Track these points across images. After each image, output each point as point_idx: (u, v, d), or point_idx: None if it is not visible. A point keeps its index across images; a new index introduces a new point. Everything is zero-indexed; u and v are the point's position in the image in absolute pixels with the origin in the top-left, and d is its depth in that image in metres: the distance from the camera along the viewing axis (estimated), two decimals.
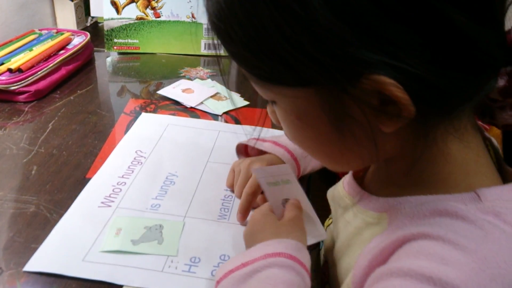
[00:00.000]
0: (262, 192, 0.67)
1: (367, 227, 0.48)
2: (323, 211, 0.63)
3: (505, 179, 0.44)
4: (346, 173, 0.57)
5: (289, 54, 0.36)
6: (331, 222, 0.61)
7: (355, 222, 0.50)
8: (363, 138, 0.40)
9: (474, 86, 0.38)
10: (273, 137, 0.75)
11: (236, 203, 0.70)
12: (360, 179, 0.54)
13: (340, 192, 0.56)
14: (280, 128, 0.49)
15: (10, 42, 1.10)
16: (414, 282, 0.34)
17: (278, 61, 0.37)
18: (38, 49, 1.07)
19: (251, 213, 0.67)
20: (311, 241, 0.59)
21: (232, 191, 0.73)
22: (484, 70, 0.37)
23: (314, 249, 0.61)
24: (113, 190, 0.71)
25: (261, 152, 0.74)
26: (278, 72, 0.39)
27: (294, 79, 0.39)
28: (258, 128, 0.79)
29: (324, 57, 0.35)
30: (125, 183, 0.73)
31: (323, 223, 0.63)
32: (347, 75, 0.36)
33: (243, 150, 0.79)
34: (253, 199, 0.67)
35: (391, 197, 0.45)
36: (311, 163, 0.74)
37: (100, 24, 1.48)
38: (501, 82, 0.39)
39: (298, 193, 0.63)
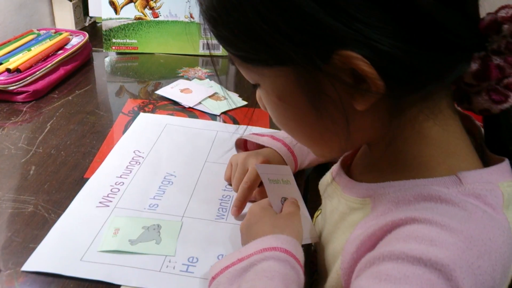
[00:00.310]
0: (259, 186, 0.68)
1: (351, 212, 0.49)
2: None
3: (486, 164, 0.45)
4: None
5: (265, 33, 0.38)
6: (320, 213, 0.62)
7: (340, 208, 0.51)
8: (338, 117, 0.42)
9: (441, 66, 0.39)
10: (271, 132, 0.77)
11: None
12: (347, 168, 0.56)
13: (329, 179, 0.57)
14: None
15: (9, 42, 1.10)
16: (406, 264, 0.36)
17: (256, 40, 0.40)
18: (37, 49, 1.07)
19: (246, 207, 0.68)
20: (304, 241, 0.59)
21: (230, 184, 0.74)
22: (451, 51, 0.39)
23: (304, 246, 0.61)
24: (111, 190, 0.72)
25: (260, 147, 0.76)
26: (257, 52, 0.41)
27: (272, 58, 0.41)
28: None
29: (297, 35, 0.37)
30: (123, 183, 0.73)
31: (312, 215, 0.64)
32: (319, 52, 0.38)
33: (242, 145, 0.80)
34: (249, 193, 0.68)
35: (373, 183, 0.47)
36: (308, 157, 0.75)
37: (98, 24, 1.48)
38: (474, 67, 0.41)
39: (296, 195, 0.64)
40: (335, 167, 0.57)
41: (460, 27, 0.38)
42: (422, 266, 0.35)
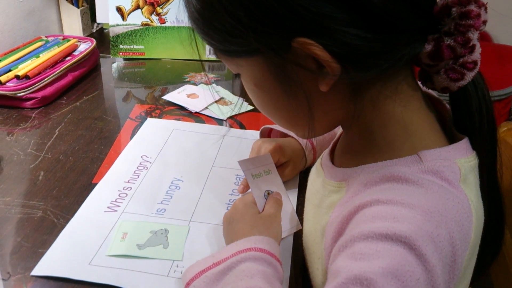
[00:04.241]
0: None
1: (329, 194, 0.54)
2: None
3: (453, 142, 0.48)
4: None
5: (232, 26, 0.43)
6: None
7: (321, 191, 0.56)
8: (304, 100, 0.46)
9: (389, 47, 0.42)
10: None
11: None
12: (333, 153, 0.60)
13: (317, 165, 0.61)
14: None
15: (17, 49, 1.11)
16: (376, 241, 0.40)
17: (226, 33, 0.44)
18: (45, 56, 1.08)
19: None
20: (284, 234, 0.64)
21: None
22: (397, 34, 0.42)
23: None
24: (119, 195, 0.72)
25: (283, 136, 0.80)
26: (229, 44, 0.45)
27: (242, 50, 0.45)
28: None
29: (257, 26, 0.42)
30: (131, 188, 0.74)
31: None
32: (279, 40, 0.42)
33: (267, 134, 0.84)
34: None
35: (349, 167, 0.51)
36: (324, 146, 0.77)
37: (105, 31, 1.49)
38: (428, 48, 0.44)
39: (278, 183, 0.69)
40: (325, 152, 0.61)
41: (404, 12, 0.41)
42: (389, 241, 0.39)
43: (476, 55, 0.44)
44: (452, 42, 0.43)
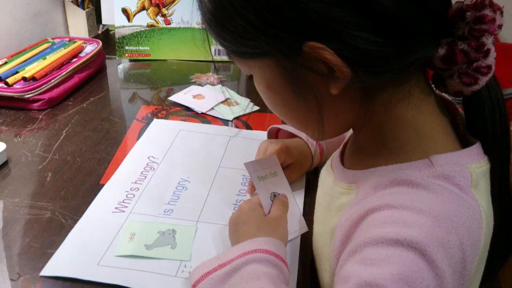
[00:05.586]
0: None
1: (339, 196, 0.54)
2: None
3: (466, 147, 0.48)
4: None
5: (243, 29, 0.43)
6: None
7: (331, 193, 0.56)
8: (314, 102, 0.46)
9: (400, 51, 0.42)
10: None
11: None
12: (343, 155, 0.60)
13: (327, 166, 0.61)
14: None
15: (24, 51, 1.12)
16: (386, 247, 0.40)
17: (238, 35, 0.44)
18: (52, 58, 1.08)
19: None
20: (291, 236, 0.64)
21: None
22: (407, 37, 0.42)
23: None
24: (126, 196, 0.72)
25: (290, 136, 0.80)
26: (241, 46, 0.46)
27: (253, 52, 0.46)
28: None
29: (268, 29, 0.42)
30: (138, 189, 0.74)
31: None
32: (290, 44, 0.42)
33: (274, 134, 0.84)
34: None
35: (360, 170, 0.51)
36: (333, 148, 0.77)
37: (111, 32, 1.50)
38: (442, 52, 0.44)
39: (284, 185, 0.69)
40: (335, 154, 0.60)
41: (419, 16, 0.41)
42: (400, 246, 0.39)
43: (491, 59, 0.43)
44: (465, 46, 0.42)
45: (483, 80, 0.44)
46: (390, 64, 0.42)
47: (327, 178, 0.59)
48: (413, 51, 0.42)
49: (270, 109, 0.54)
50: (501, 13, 0.43)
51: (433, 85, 0.49)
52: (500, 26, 0.43)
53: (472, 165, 0.45)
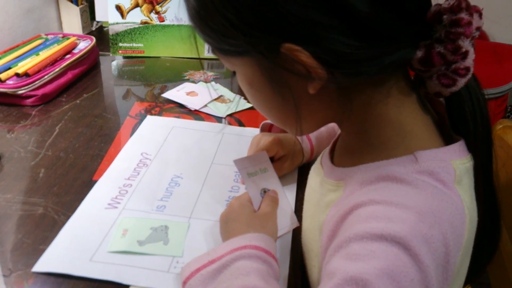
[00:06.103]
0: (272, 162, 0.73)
1: (327, 193, 0.54)
2: None
3: (449, 144, 0.48)
4: None
5: (224, 27, 0.44)
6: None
7: (320, 189, 0.56)
8: (291, 100, 0.47)
9: (377, 54, 0.42)
10: None
11: None
12: (333, 152, 0.60)
13: (317, 163, 0.62)
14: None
15: (17, 47, 1.12)
16: (371, 242, 0.40)
17: (220, 33, 0.45)
18: (45, 54, 1.08)
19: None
20: (282, 231, 0.65)
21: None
22: (384, 40, 0.42)
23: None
24: (119, 192, 0.73)
25: (284, 131, 0.79)
26: (223, 43, 0.46)
27: (235, 50, 0.46)
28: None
29: (247, 29, 0.43)
30: (131, 185, 0.74)
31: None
32: (268, 44, 0.43)
33: (267, 129, 0.85)
34: None
35: (347, 167, 0.52)
36: (323, 144, 0.79)
37: (105, 29, 1.50)
38: (419, 54, 0.44)
39: (274, 181, 0.69)
40: (325, 151, 0.61)
41: (395, 20, 0.42)
42: (384, 241, 0.40)
43: (469, 61, 0.44)
44: (442, 49, 0.43)
45: (461, 82, 0.45)
46: (366, 66, 0.43)
47: (317, 175, 0.60)
48: (390, 53, 0.43)
49: (252, 105, 0.55)
50: (480, 15, 0.43)
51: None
52: (478, 28, 0.43)
53: (456, 162, 0.46)
